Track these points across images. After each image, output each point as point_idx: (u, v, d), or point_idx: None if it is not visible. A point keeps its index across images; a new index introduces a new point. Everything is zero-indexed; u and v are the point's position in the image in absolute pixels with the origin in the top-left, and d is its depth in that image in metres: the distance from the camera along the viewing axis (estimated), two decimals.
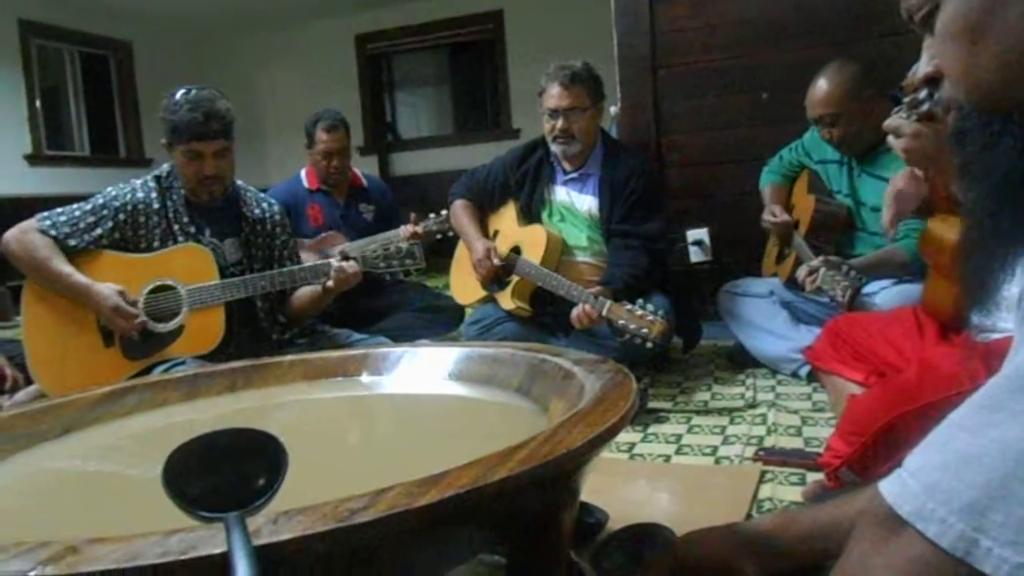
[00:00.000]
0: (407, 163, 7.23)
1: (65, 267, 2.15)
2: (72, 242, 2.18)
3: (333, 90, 7.25)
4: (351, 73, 7.28)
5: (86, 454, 1.18)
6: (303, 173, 3.42)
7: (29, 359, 2.19)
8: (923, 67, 0.67)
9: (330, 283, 2.27)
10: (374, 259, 2.35)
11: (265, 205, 2.48)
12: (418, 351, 1.47)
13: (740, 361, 2.60)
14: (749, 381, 2.43)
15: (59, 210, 2.21)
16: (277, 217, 2.48)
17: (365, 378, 1.44)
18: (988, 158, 0.58)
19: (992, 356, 1.02)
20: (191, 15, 6.93)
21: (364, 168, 7.23)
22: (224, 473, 0.71)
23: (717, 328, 2.81)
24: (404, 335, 3.10)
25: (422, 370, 1.41)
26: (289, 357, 1.54)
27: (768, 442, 1.87)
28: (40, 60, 6.17)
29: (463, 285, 2.87)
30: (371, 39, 7.17)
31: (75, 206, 2.22)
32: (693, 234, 3.18)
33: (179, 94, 2.23)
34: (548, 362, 1.22)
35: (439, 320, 3.12)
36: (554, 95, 2.58)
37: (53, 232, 2.16)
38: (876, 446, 1.21)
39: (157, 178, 2.32)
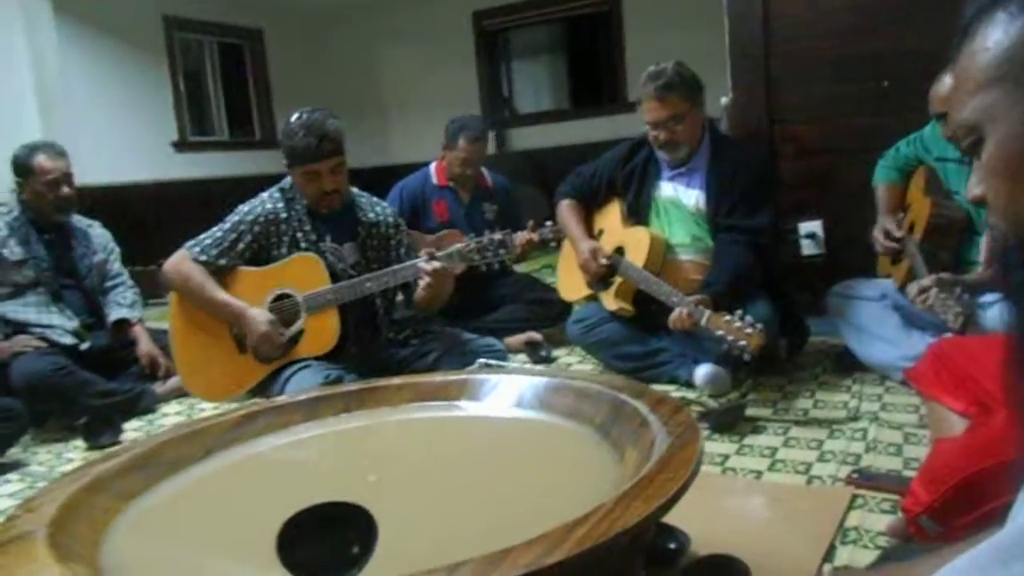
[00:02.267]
0: (524, 138, 7.31)
1: (220, 294, 2.40)
2: (222, 261, 2.42)
3: (452, 67, 7.40)
4: (468, 50, 7.39)
5: (223, 473, 1.36)
6: (432, 168, 3.56)
7: (180, 370, 2.49)
8: (972, 187, 0.70)
9: (421, 290, 2.38)
10: (468, 253, 2.46)
11: (379, 209, 2.64)
12: (512, 379, 1.58)
13: (848, 365, 2.56)
14: (856, 388, 2.40)
15: (203, 236, 2.45)
16: (391, 219, 2.64)
17: (463, 402, 1.56)
18: None
19: None
20: (316, 2, 7.22)
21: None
22: (326, 542, 0.83)
23: (827, 325, 2.76)
24: (514, 327, 3.23)
25: (513, 398, 1.51)
26: (398, 380, 1.68)
27: (866, 460, 1.87)
28: (182, 52, 6.61)
29: (569, 283, 2.94)
30: (488, 15, 7.24)
31: (216, 228, 2.46)
32: (806, 227, 3.13)
33: (294, 119, 2.41)
34: (628, 405, 1.30)
35: (547, 314, 3.22)
36: (650, 108, 2.58)
37: (203, 258, 2.41)
38: (957, 497, 1.21)
39: (282, 190, 2.51)
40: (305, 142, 2.34)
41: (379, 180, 3.74)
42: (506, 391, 1.53)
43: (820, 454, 1.93)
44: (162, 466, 1.37)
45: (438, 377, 1.67)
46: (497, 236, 2.46)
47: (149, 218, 5.75)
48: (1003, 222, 0.63)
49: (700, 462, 1.04)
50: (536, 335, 3.17)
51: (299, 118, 2.43)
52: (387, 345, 2.58)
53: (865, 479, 1.73)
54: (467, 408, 1.54)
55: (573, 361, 3.01)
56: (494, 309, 3.35)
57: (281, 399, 1.69)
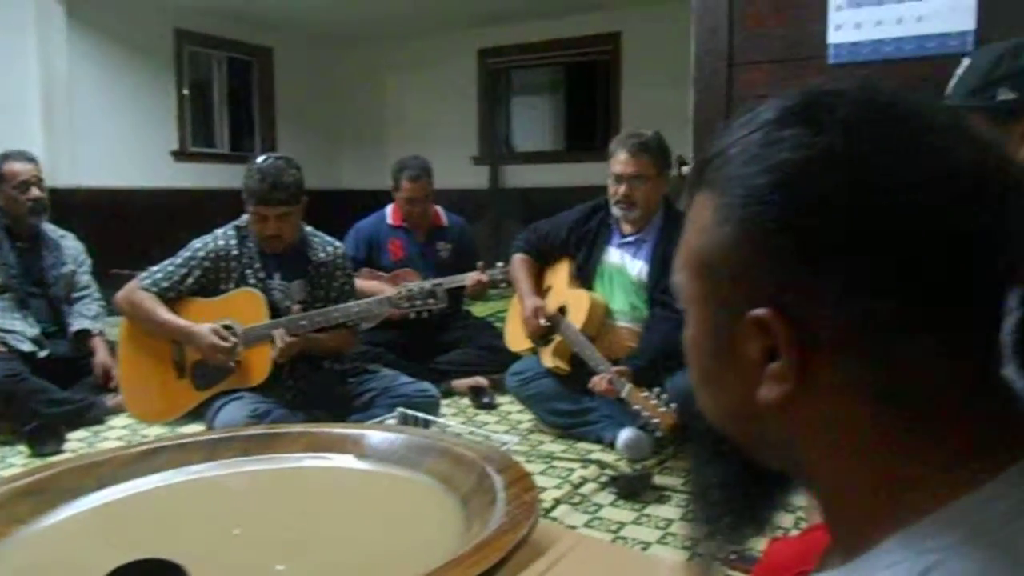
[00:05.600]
0: (518, 175, 7.43)
1: (167, 315, 2.51)
2: (171, 294, 2.54)
3: (454, 101, 7.55)
4: (471, 85, 7.54)
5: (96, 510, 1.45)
6: (388, 209, 3.69)
7: (123, 391, 2.63)
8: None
9: (275, 353, 2.45)
10: (398, 300, 2.56)
11: (330, 249, 2.74)
12: (404, 438, 1.66)
13: None
14: None
15: (155, 268, 2.57)
16: (339, 261, 2.73)
17: (351, 457, 1.64)
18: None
19: None
20: (326, 25, 7.39)
21: (476, 178, 7.53)
22: None
23: None
24: (463, 370, 3.32)
25: (399, 456, 1.59)
26: (298, 428, 1.77)
27: (754, 542, 1.93)
28: (191, 64, 6.78)
29: (515, 334, 3.03)
30: (492, 54, 7.39)
31: (167, 262, 2.58)
32: None
33: (259, 160, 2.52)
34: (488, 479, 1.37)
35: (496, 360, 3.30)
36: (621, 161, 2.69)
37: (154, 289, 2.53)
38: None
39: (237, 227, 2.62)
40: (258, 186, 2.45)
41: (373, 203, 3.87)
42: (395, 449, 1.62)
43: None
44: (55, 494, 1.46)
45: (336, 429, 1.75)
46: (427, 286, 2.57)
47: (144, 224, 5.87)
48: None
49: (519, 547, 1.12)
50: (482, 380, 3.26)
51: (264, 160, 2.54)
52: (327, 380, 2.66)
53: (744, 561, 1.79)
54: (353, 462, 1.63)
55: (514, 411, 3.08)
56: (446, 351, 3.44)
57: (186, 437, 1.77)
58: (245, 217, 2.62)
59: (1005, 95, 1.30)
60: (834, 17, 2.76)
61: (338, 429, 1.75)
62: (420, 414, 2.18)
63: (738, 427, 0.57)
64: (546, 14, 6.85)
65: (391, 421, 2.22)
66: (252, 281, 2.56)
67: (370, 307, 2.56)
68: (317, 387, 2.61)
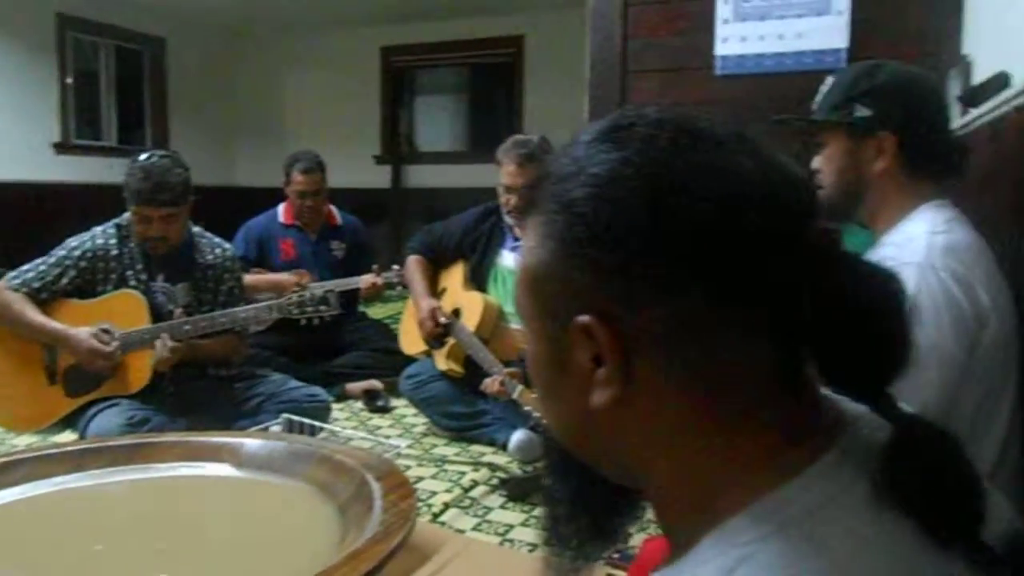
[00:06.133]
0: (421, 176, 7.38)
1: (39, 317, 2.35)
2: (43, 295, 2.38)
3: (355, 98, 7.44)
4: (374, 83, 7.45)
5: None
6: (280, 208, 3.60)
7: None
8: None
9: (156, 359, 2.35)
10: (288, 306, 2.50)
11: (219, 251, 2.64)
12: (284, 445, 1.62)
13: None
14: None
15: (26, 267, 2.41)
16: (228, 263, 2.64)
17: (227, 466, 1.59)
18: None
19: None
20: (223, 16, 7.16)
21: (378, 177, 7.44)
22: None
23: None
24: (357, 374, 3.27)
25: (278, 464, 1.55)
26: (173, 437, 1.70)
27: (636, 540, 1.98)
28: (75, 52, 6.44)
29: (410, 337, 3.01)
30: (395, 52, 7.33)
31: (39, 261, 2.42)
32: None
33: (141, 158, 2.41)
34: (368, 487, 1.35)
35: (391, 363, 3.26)
36: (510, 172, 2.71)
37: (24, 289, 2.37)
38: None
39: (118, 226, 2.50)
40: (141, 185, 2.35)
41: (271, 202, 3.76)
42: (274, 457, 1.58)
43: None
44: None
45: (214, 437, 1.69)
46: (319, 292, 2.52)
47: (26, 220, 5.53)
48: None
49: (392, 556, 1.11)
50: (377, 384, 3.22)
51: (147, 158, 2.43)
52: (212, 386, 2.58)
53: (624, 559, 1.83)
54: (230, 471, 1.57)
55: (408, 414, 3.06)
56: (341, 353, 3.38)
57: (50, 448, 1.68)
58: (127, 215, 2.50)
59: (862, 111, 1.37)
60: (721, 30, 2.86)
61: (216, 437, 1.69)
62: (307, 420, 2.13)
63: (578, 438, 0.59)
64: (450, 15, 6.84)
65: (276, 428, 2.16)
66: (133, 283, 2.45)
67: (259, 313, 2.49)
68: (200, 393, 2.51)
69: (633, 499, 0.65)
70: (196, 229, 2.64)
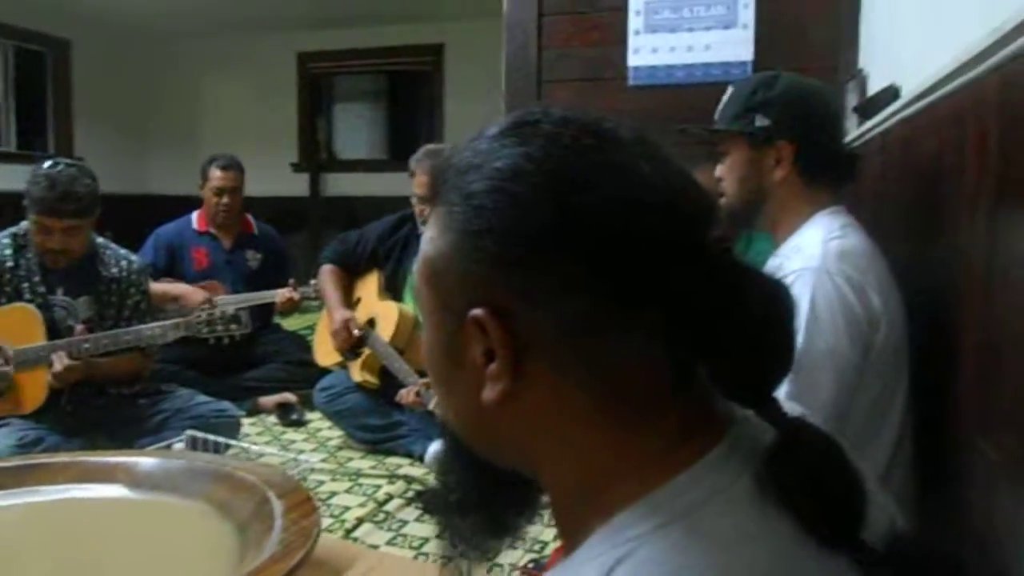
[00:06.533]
0: (340, 184, 7.27)
1: None
2: None
3: (272, 105, 7.27)
4: (291, 90, 7.30)
5: None
6: (194, 215, 3.49)
7: None
8: None
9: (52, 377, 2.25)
10: (197, 324, 2.42)
11: (124, 263, 2.53)
12: (181, 464, 1.56)
13: None
14: None
15: None
16: (133, 276, 2.54)
17: (122, 487, 1.51)
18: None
19: None
20: (133, 18, 6.90)
21: (297, 185, 7.29)
22: None
23: None
24: (271, 387, 3.18)
25: (175, 483, 1.49)
26: (65, 458, 1.61)
27: (551, 548, 1.97)
28: None
29: (324, 348, 2.95)
30: (313, 59, 7.20)
31: None
32: None
33: (46, 166, 2.30)
34: (268, 505, 1.31)
35: (306, 376, 3.19)
36: (421, 183, 2.69)
37: None
38: None
39: (13, 235, 2.38)
40: (45, 194, 2.23)
41: (185, 209, 3.64)
42: (171, 476, 1.51)
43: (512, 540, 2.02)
44: None
45: (110, 457, 1.61)
46: (230, 310, 2.44)
47: None
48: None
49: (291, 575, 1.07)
50: (291, 397, 3.14)
51: (52, 166, 2.31)
52: (113, 403, 2.46)
53: (538, 568, 1.83)
54: (124, 492, 1.50)
55: (324, 427, 2.99)
56: (254, 366, 3.29)
57: None
58: (24, 224, 2.37)
59: (761, 121, 1.40)
60: (633, 41, 2.91)
61: (111, 457, 1.61)
62: (212, 437, 2.05)
63: (473, 432, 0.59)
64: (369, 22, 6.75)
65: (179, 445, 2.07)
66: (29, 296, 2.32)
67: (164, 331, 2.39)
68: (101, 412, 2.40)
69: (531, 494, 0.64)
70: (100, 240, 2.52)
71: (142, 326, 2.38)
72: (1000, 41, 0.90)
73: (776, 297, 0.53)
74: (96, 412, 2.41)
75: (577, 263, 0.49)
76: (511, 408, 0.52)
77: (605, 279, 0.49)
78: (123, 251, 2.58)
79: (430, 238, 0.56)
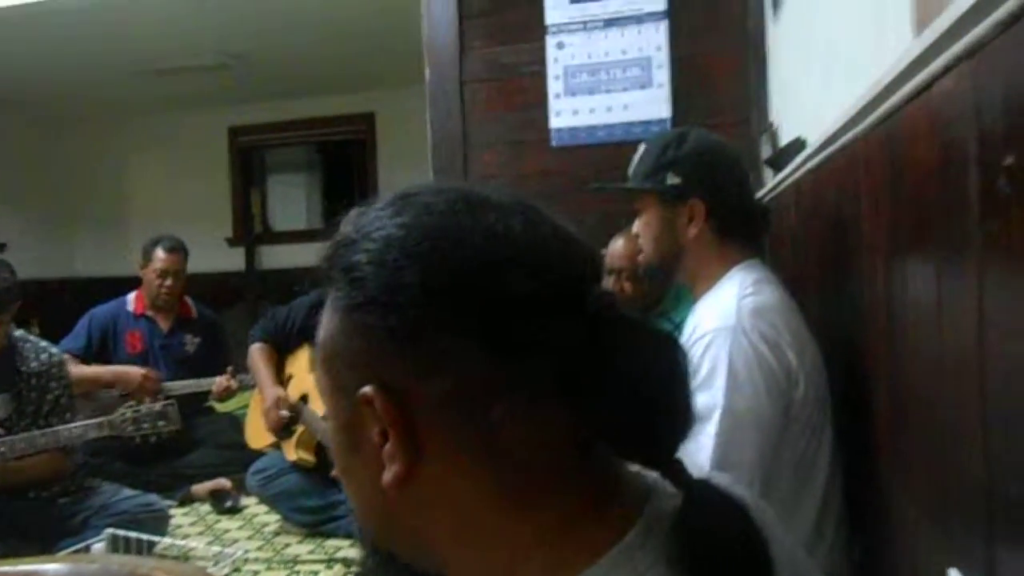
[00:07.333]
0: (277, 256, 7.17)
1: None
2: None
3: (204, 180, 7.19)
4: (223, 163, 7.24)
5: None
6: (130, 297, 3.40)
7: None
8: None
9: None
10: (122, 423, 2.32)
11: (44, 356, 2.43)
12: (99, 571, 1.46)
13: None
14: None
15: None
16: (54, 370, 2.42)
17: None
18: None
19: None
20: (49, 99, 6.78)
21: (233, 259, 7.17)
22: None
23: None
24: (204, 473, 3.06)
25: None
26: None
27: None
28: None
29: (256, 429, 2.86)
30: (244, 132, 7.17)
31: None
32: None
33: None
34: None
35: (241, 459, 3.07)
36: None
37: None
38: None
39: None
40: None
41: (115, 292, 3.53)
42: None
43: None
44: None
45: (16, 567, 1.50)
46: (157, 407, 2.35)
47: None
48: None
49: None
50: (225, 482, 3.01)
51: None
52: (30, 506, 2.32)
53: None
54: None
55: (260, 512, 2.87)
56: (187, 452, 3.16)
57: None
58: None
59: (672, 179, 1.41)
60: (554, 104, 2.96)
61: (19, 566, 1.50)
62: (135, 534, 1.94)
63: (376, 523, 0.56)
64: (299, 93, 6.77)
65: (99, 546, 1.96)
66: None
67: (85, 431, 2.28)
68: (17, 515, 2.26)
69: None
70: (18, 333, 2.42)
71: (61, 427, 2.26)
72: (881, 94, 0.92)
73: (664, 351, 0.51)
74: (13, 516, 2.27)
75: (453, 327, 0.48)
76: (412, 493, 0.49)
77: (481, 341, 0.47)
78: (43, 343, 2.48)
79: (323, 323, 0.54)
